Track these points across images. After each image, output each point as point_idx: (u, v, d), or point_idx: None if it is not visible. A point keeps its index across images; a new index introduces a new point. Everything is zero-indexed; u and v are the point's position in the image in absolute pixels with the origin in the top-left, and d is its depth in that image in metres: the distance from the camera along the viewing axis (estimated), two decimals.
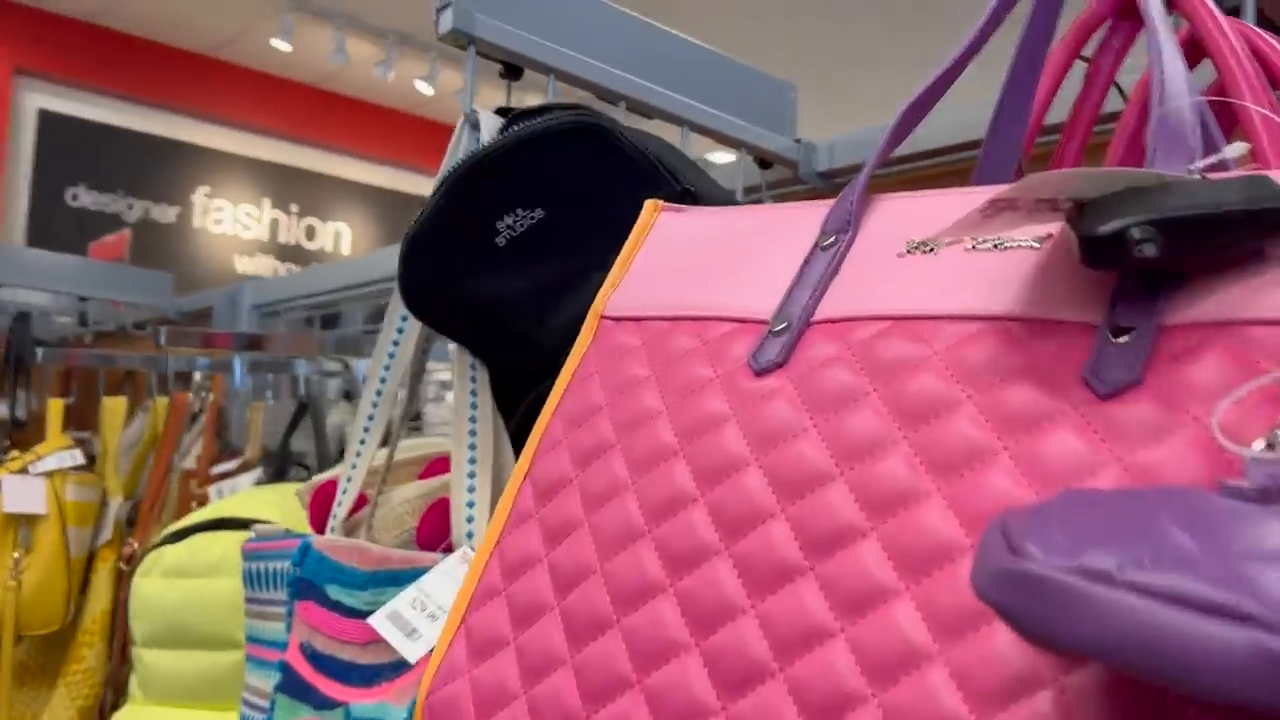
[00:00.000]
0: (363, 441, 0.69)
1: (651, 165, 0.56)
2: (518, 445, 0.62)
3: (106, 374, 1.82)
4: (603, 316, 0.44)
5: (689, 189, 0.57)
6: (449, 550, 0.62)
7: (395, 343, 0.69)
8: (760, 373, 0.36)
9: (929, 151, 0.83)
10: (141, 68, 4.70)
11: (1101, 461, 0.27)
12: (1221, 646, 0.19)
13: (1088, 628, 0.20)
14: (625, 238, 0.48)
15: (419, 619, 0.56)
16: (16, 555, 1.28)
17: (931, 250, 0.35)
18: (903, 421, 0.31)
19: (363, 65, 4.80)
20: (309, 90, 5.26)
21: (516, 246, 0.59)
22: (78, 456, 1.40)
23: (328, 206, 5.43)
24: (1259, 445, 0.25)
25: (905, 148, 0.84)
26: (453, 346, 0.64)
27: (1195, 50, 0.48)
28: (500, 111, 0.65)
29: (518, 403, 0.64)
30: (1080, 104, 0.55)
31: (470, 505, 0.60)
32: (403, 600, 0.57)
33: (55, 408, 1.49)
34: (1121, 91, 0.57)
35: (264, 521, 0.97)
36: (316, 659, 0.65)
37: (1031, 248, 0.32)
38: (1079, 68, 0.55)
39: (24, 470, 1.34)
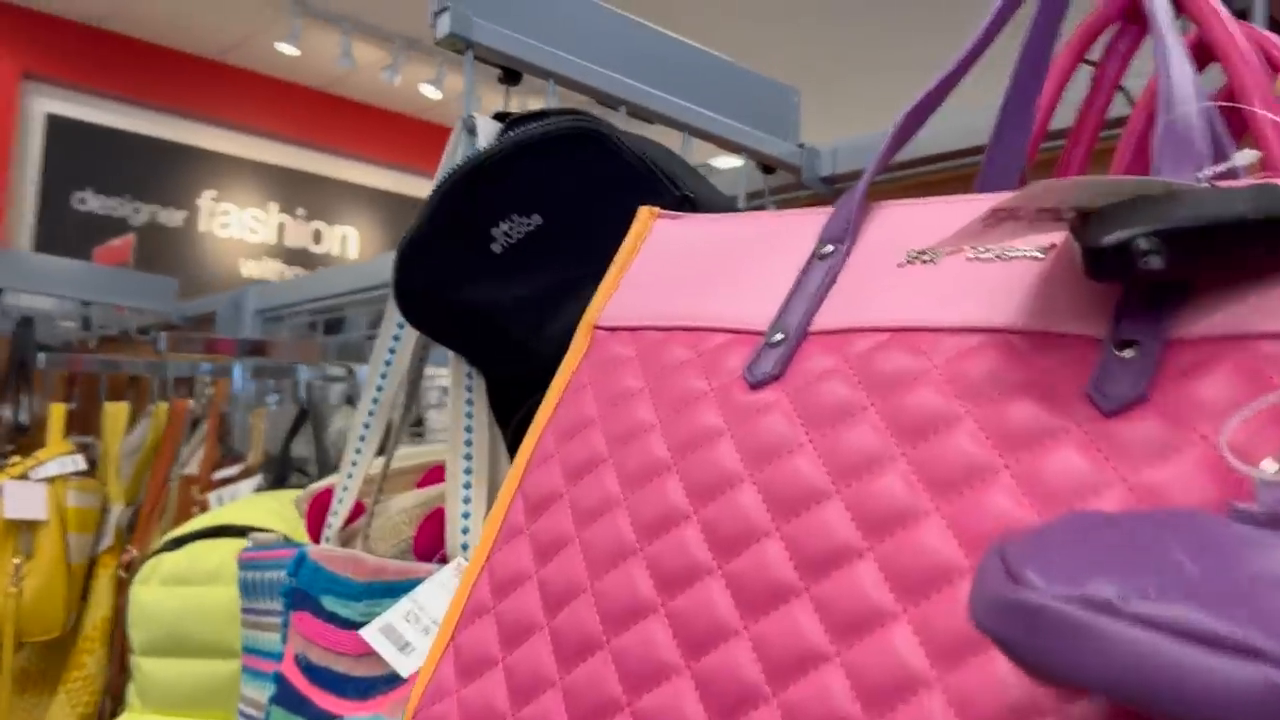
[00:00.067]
0: (358, 450, 0.69)
1: (650, 171, 0.56)
2: (515, 455, 0.62)
3: (110, 379, 1.81)
4: (596, 327, 0.43)
5: (688, 195, 0.56)
6: (445, 561, 0.61)
7: (392, 350, 0.68)
8: (755, 386, 0.35)
9: (932, 157, 0.82)
10: (148, 72, 4.71)
11: (1105, 481, 0.26)
12: (1229, 683, 0.18)
13: (1089, 660, 0.19)
14: None
15: (412, 632, 0.55)
16: (17, 561, 1.28)
17: (932, 260, 0.34)
18: (901, 437, 0.30)
19: (369, 69, 4.81)
20: (315, 94, 5.26)
21: (513, 253, 0.58)
22: (79, 462, 1.40)
23: (335, 210, 5.43)
24: (1270, 466, 0.24)
25: (907, 153, 0.83)
26: (450, 354, 0.63)
27: (1203, 54, 0.47)
28: (498, 117, 0.64)
29: (515, 412, 0.63)
30: (1086, 109, 0.54)
31: (465, 516, 0.59)
32: (396, 613, 0.56)
33: (57, 413, 1.49)
34: (1128, 96, 0.56)
35: (263, 529, 0.96)
36: (311, 671, 0.64)
37: (1034, 258, 0.31)
38: (1084, 72, 0.54)
39: (25, 476, 1.34)
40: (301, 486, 1.18)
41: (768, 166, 0.90)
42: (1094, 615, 0.19)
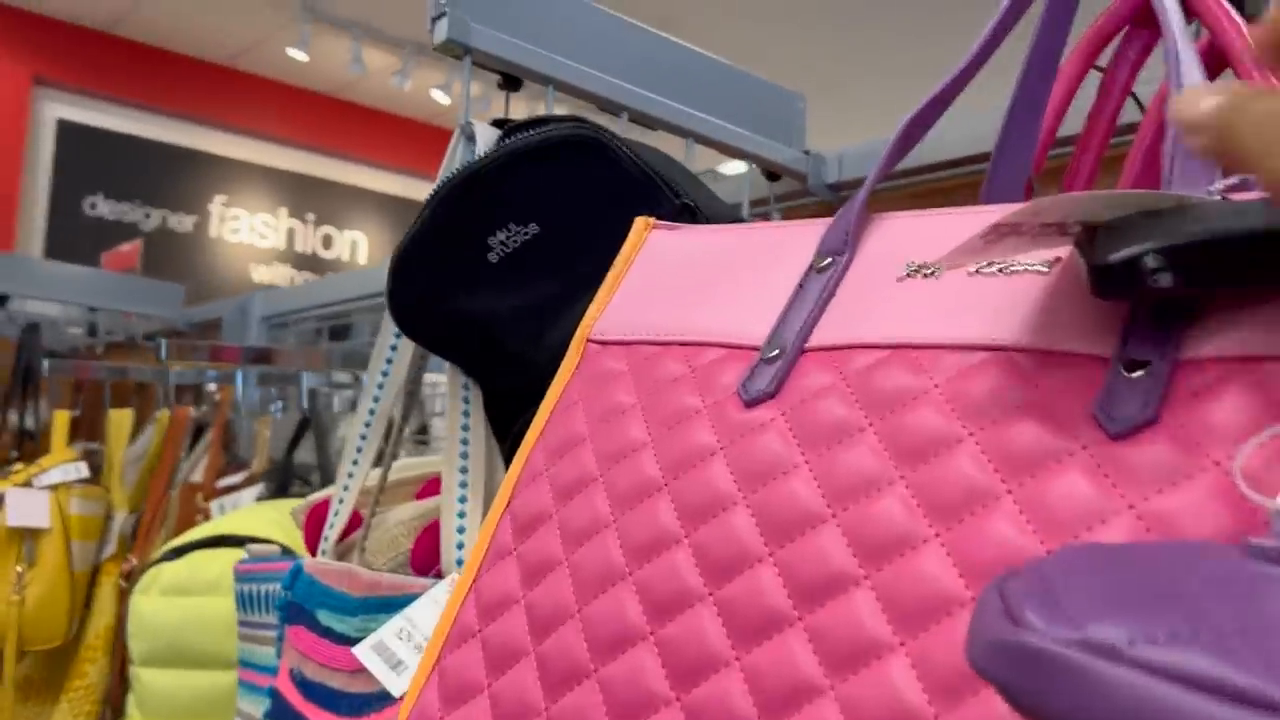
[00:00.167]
0: (355, 462, 0.68)
1: (649, 179, 0.54)
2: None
3: (116, 385, 1.81)
4: (589, 340, 0.42)
5: (688, 203, 0.55)
6: (440, 576, 0.60)
7: (389, 359, 0.67)
8: (750, 403, 0.34)
9: (937, 164, 0.81)
10: (159, 77, 4.73)
11: (1112, 508, 0.25)
12: None
13: (1090, 709, 0.18)
14: None
15: (404, 650, 0.54)
16: (20, 569, 1.28)
17: (933, 274, 0.33)
18: (900, 459, 0.29)
19: (379, 75, 4.81)
20: (326, 100, 5.27)
21: (510, 263, 0.57)
22: (82, 469, 1.40)
23: (344, 215, 5.44)
24: None
25: (912, 160, 0.81)
26: (447, 365, 0.62)
27: (1216, 60, 0.46)
28: (498, 123, 0.63)
29: (512, 424, 0.62)
30: (1095, 116, 0.53)
31: (461, 531, 0.58)
32: (388, 630, 0.55)
33: (61, 420, 1.49)
34: (1139, 103, 0.55)
35: (263, 540, 0.95)
36: (306, 686, 0.63)
37: (1039, 272, 0.30)
38: (1093, 78, 0.53)
39: (28, 483, 1.33)
40: (303, 495, 1.17)
41: (773, 173, 0.89)
42: (1097, 661, 0.18)
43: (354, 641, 0.59)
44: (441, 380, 1.41)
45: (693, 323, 0.38)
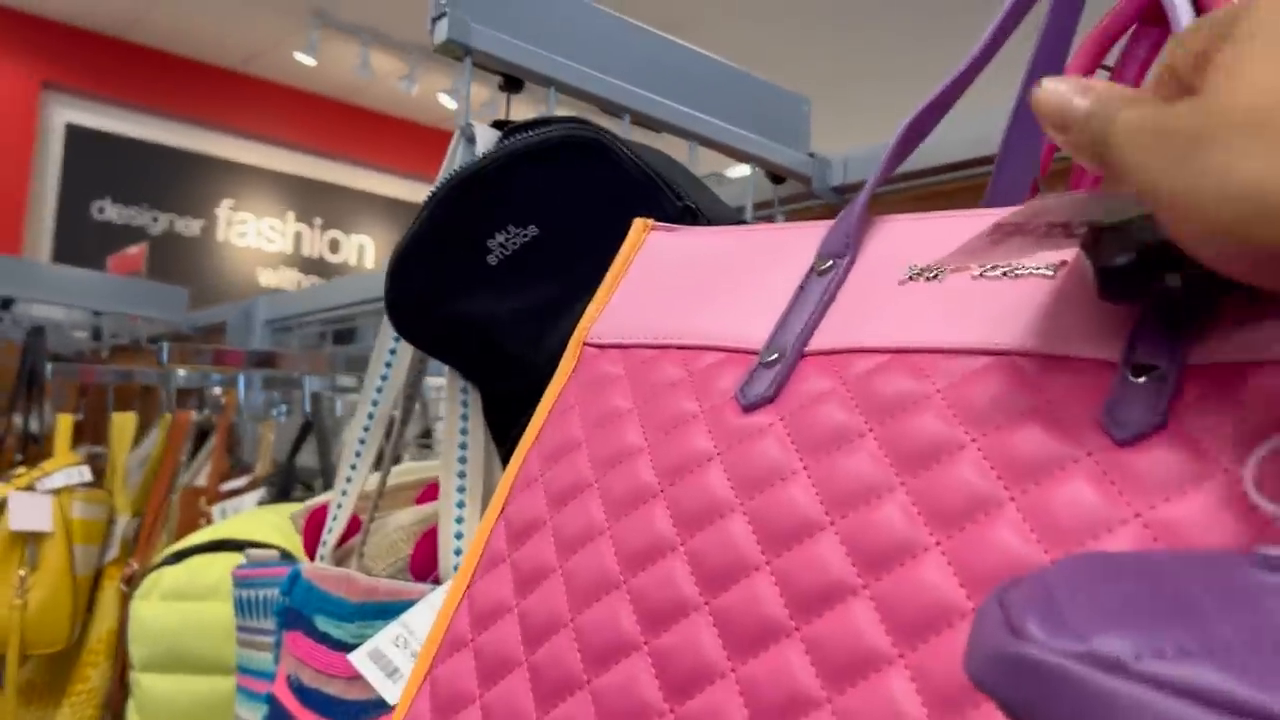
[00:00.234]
0: (353, 466, 0.67)
1: (650, 180, 0.54)
2: None
3: (120, 389, 1.81)
4: (585, 344, 0.41)
5: (690, 206, 0.54)
6: (438, 582, 0.60)
7: (388, 363, 0.67)
8: (748, 408, 0.33)
9: (940, 167, 0.80)
10: (167, 82, 4.74)
11: (1119, 516, 0.24)
12: None
13: None
14: None
15: (401, 657, 0.53)
16: (22, 573, 1.27)
17: (935, 277, 0.32)
18: (901, 466, 0.28)
19: (387, 79, 4.82)
20: (333, 104, 5.28)
21: (509, 265, 0.56)
22: (85, 473, 1.39)
23: (351, 220, 5.45)
24: None
25: (916, 162, 0.81)
26: (446, 368, 0.61)
27: None
28: (498, 125, 0.62)
29: (511, 428, 0.61)
30: None
31: (459, 536, 0.57)
32: (385, 637, 0.54)
33: (64, 423, 1.48)
34: None
35: (263, 544, 0.95)
36: (303, 693, 0.63)
37: (1044, 275, 0.29)
38: (1101, 78, 0.52)
39: (31, 487, 1.33)
40: (305, 499, 1.17)
41: (777, 176, 0.88)
42: (1101, 675, 0.17)
43: (351, 648, 0.58)
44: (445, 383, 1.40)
45: (691, 326, 0.38)
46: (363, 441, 0.67)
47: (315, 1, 4.17)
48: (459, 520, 0.58)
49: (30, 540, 1.29)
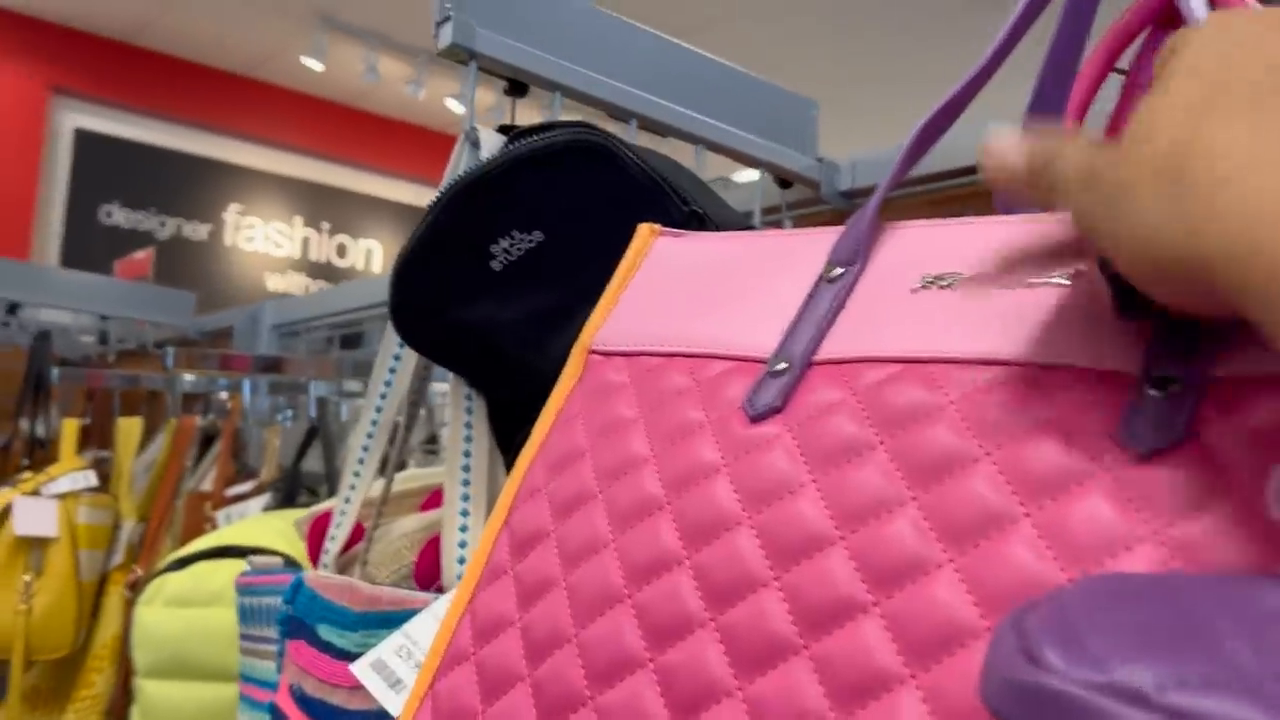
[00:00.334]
0: (357, 473, 0.67)
1: (656, 185, 0.53)
2: None
3: (127, 394, 1.81)
4: (590, 351, 0.41)
5: (697, 211, 0.54)
6: (442, 591, 0.59)
7: (392, 369, 0.66)
8: (756, 418, 0.32)
9: (952, 171, 0.79)
10: (175, 87, 4.75)
11: (1137, 534, 0.24)
12: None
13: None
14: None
15: (403, 668, 0.52)
16: (27, 579, 1.27)
17: (948, 286, 0.31)
18: (912, 480, 0.27)
19: (394, 83, 4.83)
20: (341, 108, 5.29)
21: (513, 271, 0.56)
22: (90, 478, 1.39)
23: (359, 224, 5.45)
24: None
25: (928, 167, 0.80)
26: (450, 374, 0.61)
27: None
28: (503, 129, 0.62)
29: (516, 434, 0.61)
30: (1116, 120, 0.51)
31: (463, 545, 0.57)
32: (387, 647, 0.54)
33: (70, 428, 1.48)
34: None
35: (267, 550, 0.94)
36: (306, 703, 0.62)
37: (1061, 284, 0.28)
38: (1114, 80, 0.51)
39: (36, 492, 1.33)
40: (310, 505, 1.16)
41: (785, 181, 0.88)
42: (1124, 707, 0.17)
43: (354, 657, 0.58)
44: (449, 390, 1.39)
45: (697, 333, 0.37)
46: (366, 448, 0.66)
47: (322, 6, 4.18)
48: (463, 528, 0.57)
49: (35, 545, 1.29)
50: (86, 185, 4.52)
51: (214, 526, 1.27)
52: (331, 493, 1.25)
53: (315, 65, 4.47)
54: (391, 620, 0.57)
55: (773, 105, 0.85)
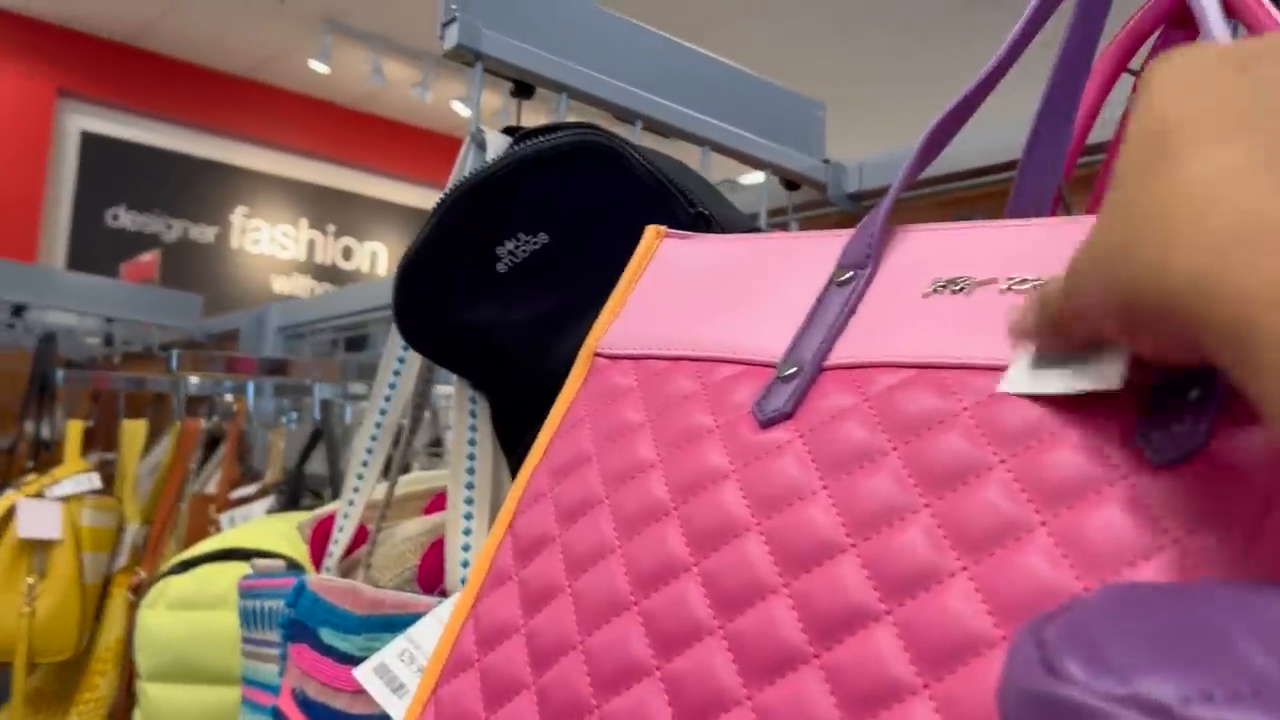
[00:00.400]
0: (360, 476, 0.66)
1: (662, 187, 0.53)
2: None
3: (132, 396, 1.81)
4: (596, 354, 0.40)
5: (703, 213, 0.53)
6: (446, 595, 0.59)
7: (396, 372, 0.66)
8: (765, 424, 0.32)
9: (962, 173, 0.79)
10: (181, 89, 4.76)
11: (1156, 543, 0.23)
12: None
13: None
14: None
15: (406, 673, 0.52)
16: (31, 581, 1.27)
17: (961, 290, 0.31)
18: (925, 487, 0.27)
19: (400, 86, 4.83)
20: (346, 111, 5.30)
21: (519, 273, 0.55)
22: (94, 480, 1.39)
23: (365, 227, 5.45)
24: None
25: (939, 168, 0.79)
26: (454, 376, 0.60)
27: None
28: (509, 131, 0.61)
29: (521, 437, 0.60)
30: (1128, 121, 0.51)
31: (466, 549, 0.56)
32: (390, 652, 0.53)
33: (74, 430, 1.48)
34: None
35: (271, 553, 0.94)
36: (308, 706, 0.62)
37: None
38: (1126, 81, 0.51)
39: (40, 494, 1.33)
40: (314, 508, 1.16)
41: (791, 182, 0.87)
42: None
43: (357, 661, 0.57)
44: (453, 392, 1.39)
45: (705, 336, 0.37)
46: (370, 450, 0.66)
47: (328, 9, 4.18)
48: (467, 532, 0.57)
49: (39, 548, 1.29)
50: (93, 188, 4.53)
51: (218, 529, 1.27)
52: (335, 495, 1.25)
53: (321, 68, 4.48)
54: (394, 624, 0.57)
55: (779, 106, 0.85)
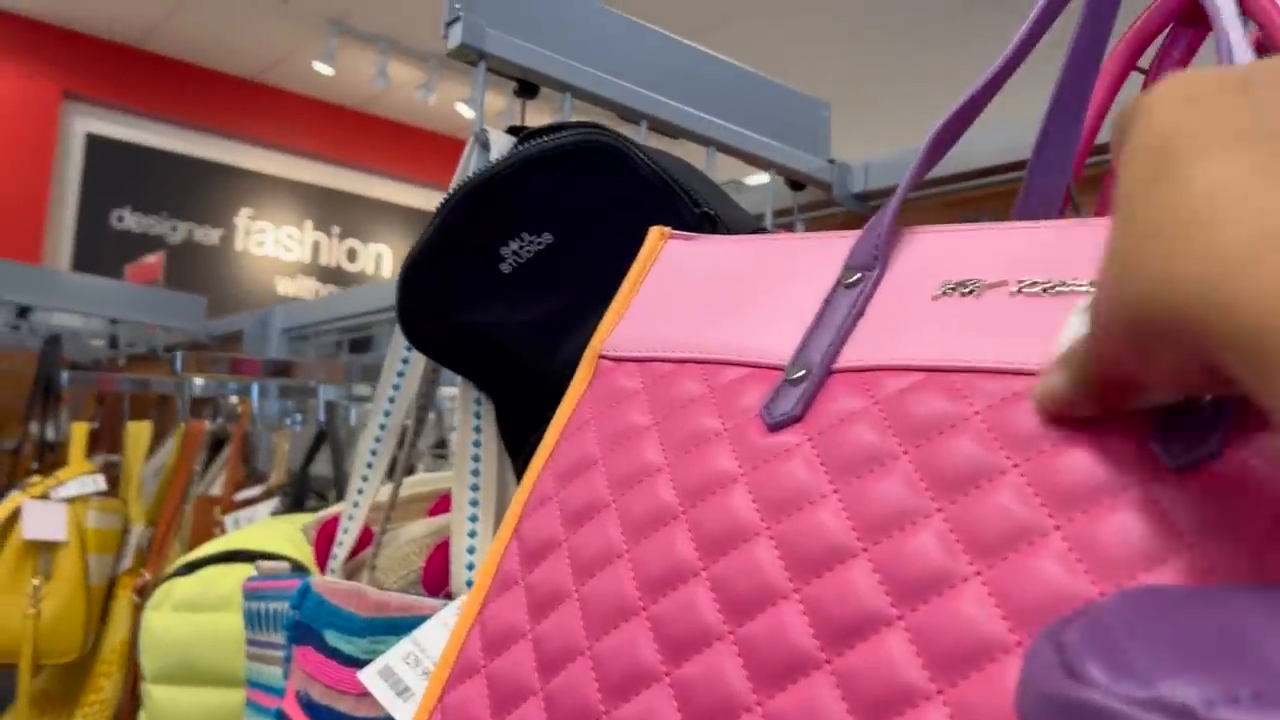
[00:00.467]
0: (365, 478, 0.66)
1: (667, 187, 0.52)
2: None
3: (137, 398, 1.81)
4: (601, 356, 0.40)
5: (708, 213, 0.53)
6: (451, 597, 0.58)
7: (400, 373, 0.65)
8: (774, 427, 0.31)
9: (970, 172, 0.78)
10: (187, 92, 4.77)
11: (1170, 549, 0.23)
12: None
13: None
14: None
15: (411, 676, 0.52)
16: (36, 583, 1.27)
17: (971, 292, 0.30)
18: (937, 491, 0.27)
19: (404, 88, 4.83)
20: (351, 113, 5.30)
21: (523, 273, 0.55)
22: (100, 482, 1.39)
23: (369, 229, 5.45)
24: None
25: (946, 168, 0.79)
26: (459, 378, 0.60)
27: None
28: (513, 131, 0.61)
29: (526, 439, 0.60)
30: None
31: (471, 551, 0.56)
32: (396, 654, 0.53)
33: (79, 432, 1.48)
34: None
35: (276, 555, 0.94)
36: (313, 709, 0.61)
37: (1088, 293, 0.28)
38: (1135, 80, 0.50)
39: (45, 495, 1.32)
40: (319, 509, 1.16)
41: (796, 183, 0.87)
42: None
43: (362, 663, 0.57)
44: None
45: (711, 338, 0.36)
46: (374, 452, 0.66)
47: (333, 11, 4.19)
48: (472, 534, 0.56)
49: (44, 549, 1.29)
50: (98, 190, 4.54)
51: (223, 531, 1.27)
52: (340, 497, 1.25)
53: (326, 70, 4.48)
54: (399, 626, 0.57)
55: (784, 106, 0.84)
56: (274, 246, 5.10)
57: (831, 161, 0.88)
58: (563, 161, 0.52)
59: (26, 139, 4.29)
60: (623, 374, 0.38)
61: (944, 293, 0.31)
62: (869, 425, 0.29)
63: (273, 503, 1.27)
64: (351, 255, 5.38)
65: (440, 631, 0.53)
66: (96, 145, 4.56)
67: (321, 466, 1.31)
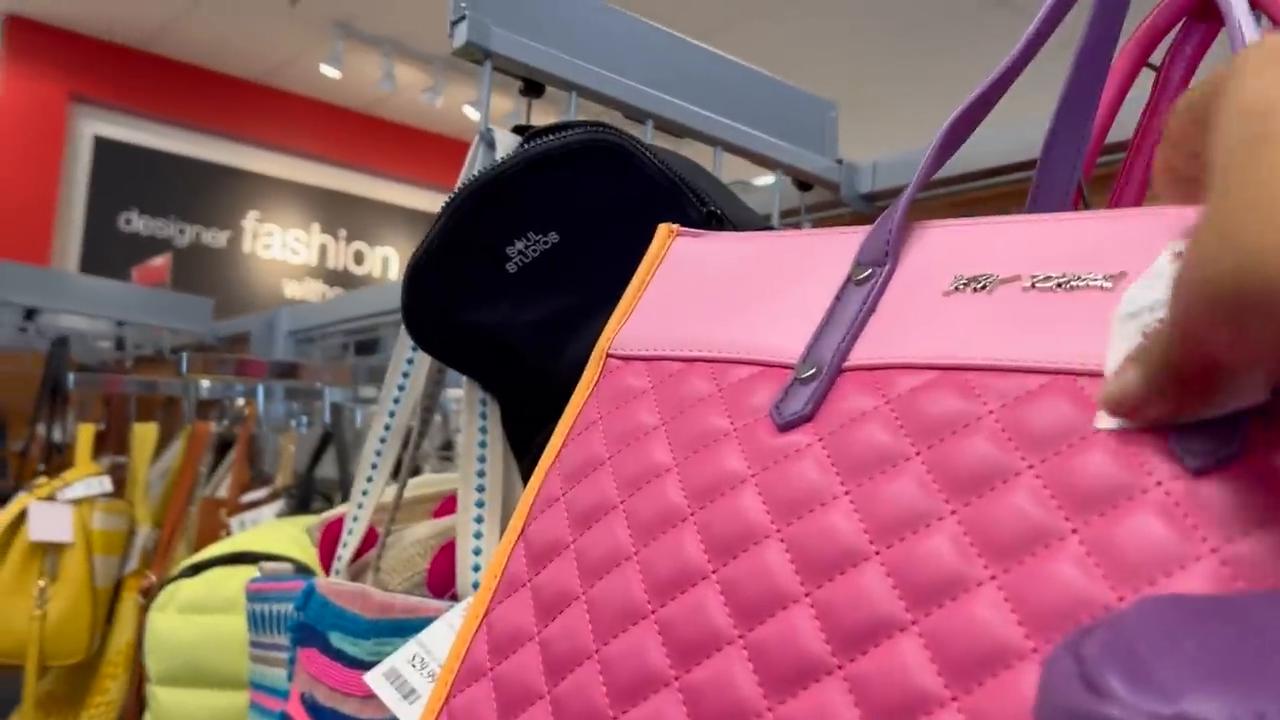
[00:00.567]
0: (369, 479, 0.66)
1: (674, 185, 0.52)
2: None
3: (143, 399, 1.81)
4: (608, 355, 0.39)
5: (715, 212, 0.52)
6: (456, 599, 0.58)
7: (405, 374, 0.65)
8: (784, 427, 0.31)
9: (979, 172, 0.78)
10: (194, 94, 4.78)
11: (1193, 552, 0.22)
12: None
13: None
14: None
15: (417, 678, 0.51)
16: (42, 584, 1.27)
17: (984, 287, 0.30)
18: (951, 492, 0.26)
19: (411, 91, 4.83)
20: (358, 116, 5.30)
21: (529, 273, 0.55)
22: (106, 484, 1.39)
23: (376, 231, 5.46)
24: None
25: (956, 168, 0.78)
26: (464, 378, 0.60)
27: None
28: (518, 130, 0.61)
29: (532, 440, 0.60)
30: (1148, 118, 0.50)
31: (477, 552, 0.56)
32: (401, 657, 0.52)
33: (85, 433, 1.48)
34: None
35: (281, 557, 0.93)
36: (317, 711, 0.61)
37: (1103, 288, 0.27)
38: (1146, 76, 0.50)
39: (51, 497, 1.33)
40: (324, 511, 1.16)
41: (804, 183, 0.86)
42: None
43: (367, 665, 0.57)
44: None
45: (720, 337, 0.36)
46: (379, 453, 0.66)
47: (339, 14, 4.19)
48: (477, 535, 0.56)
49: (50, 551, 1.29)
50: (106, 192, 4.55)
51: (228, 533, 1.27)
52: (345, 499, 1.25)
53: (332, 73, 4.48)
54: (404, 628, 0.56)
55: (791, 106, 0.84)
56: (281, 249, 5.11)
57: (839, 162, 0.87)
58: (569, 161, 0.51)
59: (34, 141, 4.31)
60: (630, 373, 0.37)
61: (956, 288, 0.30)
62: (881, 425, 0.28)
63: (278, 505, 1.27)
64: (358, 258, 5.39)
65: (446, 633, 0.53)
66: (104, 148, 4.57)
67: (327, 468, 1.31)
